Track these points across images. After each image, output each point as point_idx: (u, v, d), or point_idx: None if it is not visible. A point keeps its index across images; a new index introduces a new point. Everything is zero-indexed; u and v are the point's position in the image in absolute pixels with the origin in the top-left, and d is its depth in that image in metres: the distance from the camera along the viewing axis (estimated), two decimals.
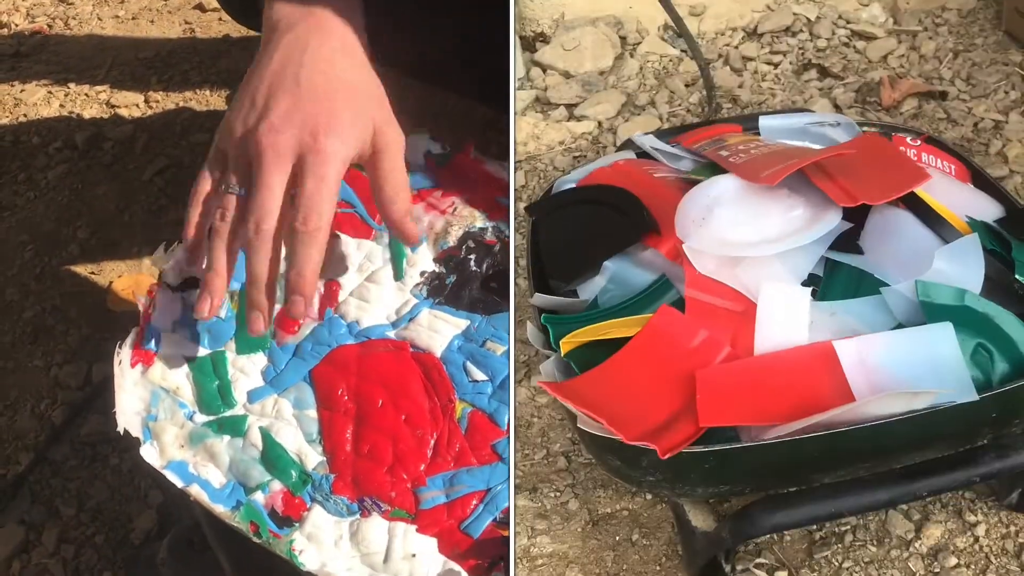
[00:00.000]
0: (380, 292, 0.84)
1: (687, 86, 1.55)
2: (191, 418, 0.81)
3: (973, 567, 0.96)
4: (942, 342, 0.82)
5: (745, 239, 0.89)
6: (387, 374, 0.81)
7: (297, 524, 0.77)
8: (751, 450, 0.80)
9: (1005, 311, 0.84)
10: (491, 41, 0.87)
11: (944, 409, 0.79)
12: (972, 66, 1.52)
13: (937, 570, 0.96)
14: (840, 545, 0.98)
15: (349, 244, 0.86)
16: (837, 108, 1.47)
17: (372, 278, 0.85)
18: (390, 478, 0.78)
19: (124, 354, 0.82)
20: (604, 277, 0.94)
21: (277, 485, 0.78)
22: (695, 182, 0.96)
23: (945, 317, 0.83)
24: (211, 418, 0.81)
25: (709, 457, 0.82)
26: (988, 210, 0.99)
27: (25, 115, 1.59)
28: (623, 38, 1.64)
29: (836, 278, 0.89)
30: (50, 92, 1.62)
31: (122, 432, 0.79)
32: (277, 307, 0.80)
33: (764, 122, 1.11)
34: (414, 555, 0.76)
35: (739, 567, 0.96)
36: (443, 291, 0.84)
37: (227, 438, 0.80)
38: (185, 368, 0.83)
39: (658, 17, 1.62)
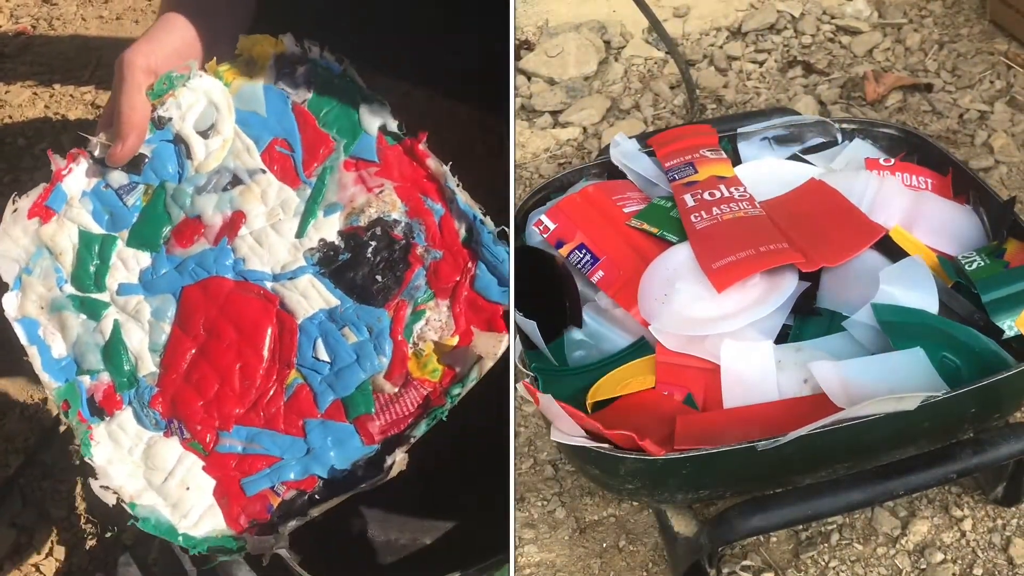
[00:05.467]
0: (277, 242, 0.85)
1: (672, 88, 1.55)
2: (61, 287, 0.85)
3: (960, 562, 0.96)
4: (914, 363, 0.85)
5: (707, 315, 0.92)
6: (245, 320, 0.83)
7: (107, 419, 0.82)
8: (727, 455, 0.81)
9: (963, 326, 0.87)
10: (487, 46, 0.88)
11: (923, 406, 0.80)
12: (957, 57, 1.51)
13: (924, 566, 0.96)
14: (826, 544, 0.98)
15: (272, 184, 0.86)
16: (821, 104, 1.47)
17: (276, 226, 0.85)
18: (203, 412, 0.82)
19: (21, 204, 0.86)
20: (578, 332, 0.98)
21: (106, 377, 0.83)
22: (656, 235, 1.00)
23: (907, 334, 0.86)
24: (78, 293, 0.85)
25: (686, 463, 0.82)
26: (966, 226, 1.00)
27: (10, 116, 1.59)
28: (607, 42, 1.65)
29: (807, 324, 0.92)
30: (35, 93, 1.63)
31: None
32: None
33: (744, 147, 1.13)
34: (188, 488, 0.80)
35: (725, 570, 0.96)
36: (331, 264, 0.84)
37: (83, 317, 0.85)
38: (76, 238, 0.86)
39: (642, 20, 1.61)
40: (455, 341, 0.81)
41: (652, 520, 1.02)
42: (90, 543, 1.10)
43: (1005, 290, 0.88)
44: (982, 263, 0.92)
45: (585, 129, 1.50)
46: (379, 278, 0.82)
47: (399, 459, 0.78)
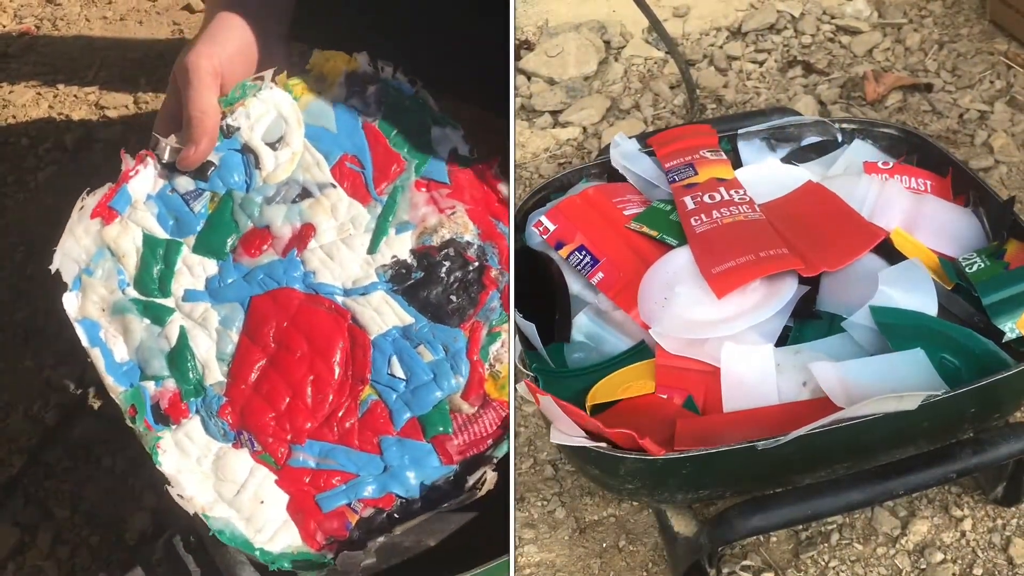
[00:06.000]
0: (348, 257, 0.85)
1: (671, 88, 1.55)
2: (123, 289, 0.84)
3: (960, 562, 0.96)
4: (915, 364, 0.85)
5: (707, 318, 0.92)
6: (317, 332, 0.83)
7: (173, 427, 0.81)
8: (727, 455, 0.81)
9: (961, 328, 0.87)
10: (487, 47, 0.88)
11: (923, 406, 0.80)
12: (957, 57, 1.52)
13: (923, 566, 0.96)
14: (826, 544, 0.98)
15: (342, 199, 0.86)
16: (821, 104, 1.47)
17: (347, 241, 0.85)
18: (274, 424, 0.81)
19: (88, 202, 0.85)
20: (578, 333, 0.97)
21: (171, 384, 0.82)
22: (656, 239, 0.99)
23: (905, 336, 0.86)
24: (141, 297, 0.84)
25: (686, 463, 0.83)
26: (966, 228, 1.01)
27: (14, 116, 1.58)
28: (607, 42, 1.65)
29: (806, 327, 0.92)
30: (39, 93, 1.62)
31: (53, 271, 0.84)
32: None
33: (744, 147, 1.13)
34: (262, 502, 0.79)
35: (725, 570, 0.96)
36: (404, 282, 0.84)
37: (147, 322, 0.83)
38: (140, 241, 0.85)
39: (642, 20, 1.61)
40: None
41: (652, 520, 1.02)
42: (93, 543, 1.10)
43: (1005, 292, 0.88)
44: (982, 265, 0.92)
45: (585, 129, 1.50)
46: (454, 298, 0.83)
47: (489, 477, 0.78)
